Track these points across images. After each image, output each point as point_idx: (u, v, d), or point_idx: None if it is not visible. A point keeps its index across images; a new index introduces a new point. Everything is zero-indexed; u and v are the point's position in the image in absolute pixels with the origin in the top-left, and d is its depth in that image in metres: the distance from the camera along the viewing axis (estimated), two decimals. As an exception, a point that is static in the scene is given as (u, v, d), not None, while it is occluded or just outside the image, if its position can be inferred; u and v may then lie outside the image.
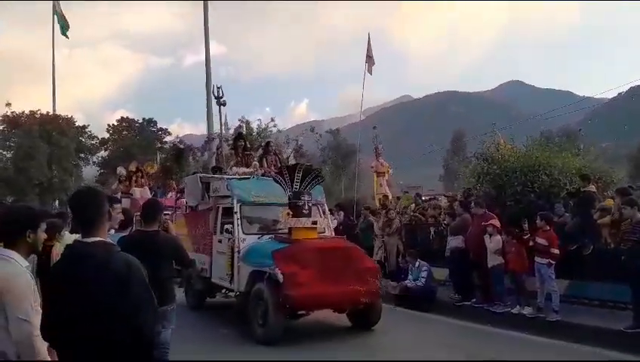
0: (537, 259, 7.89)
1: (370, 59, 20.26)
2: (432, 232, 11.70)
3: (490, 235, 8.45)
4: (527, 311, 8.00)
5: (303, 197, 7.64)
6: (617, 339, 6.53)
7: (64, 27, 30.03)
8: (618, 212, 7.85)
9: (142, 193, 14.30)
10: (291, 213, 7.51)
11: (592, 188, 9.19)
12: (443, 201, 13.68)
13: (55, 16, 30.34)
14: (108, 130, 53.44)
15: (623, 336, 6.57)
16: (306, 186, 7.74)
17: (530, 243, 8.08)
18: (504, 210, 9.74)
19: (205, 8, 22.67)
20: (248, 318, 7.18)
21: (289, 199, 7.69)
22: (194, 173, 11.38)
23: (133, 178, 14.97)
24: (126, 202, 13.81)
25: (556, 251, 7.76)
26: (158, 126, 55.18)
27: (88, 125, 50.34)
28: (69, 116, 45.15)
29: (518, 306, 8.16)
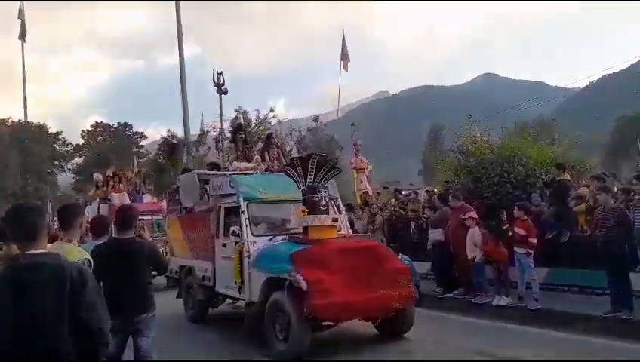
0: (516, 249, 7.98)
1: (345, 56, 20.33)
2: (413, 226, 11.77)
3: (469, 227, 8.52)
4: (508, 301, 8.10)
5: (319, 192, 6.76)
6: (597, 325, 6.66)
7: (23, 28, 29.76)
8: (593, 199, 8.00)
9: (120, 198, 14.12)
10: (306, 209, 6.63)
11: (567, 176, 9.33)
12: (422, 195, 13.76)
13: (21, 21, 29.78)
14: (82, 136, 52.65)
15: (602, 321, 6.71)
16: (321, 179, 6.90)
17: (509, 234, 8.18)
18: (482, 202, 9.84)
19: (178, 9, 22.48)
20: (265, 332, 6.28)
21: (303, 194, 6.82)
22: (185, 170, 10.52)
23: (111, 183, 14.78)
24: (104, 208, 13.58)
25: (534, 240, 7.87)
26: (134, 130, 54.57)
27: (62, 132, 49.64)
28: (42, 123, 44.37)
29: (497, 296, 8.26)
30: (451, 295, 9.13)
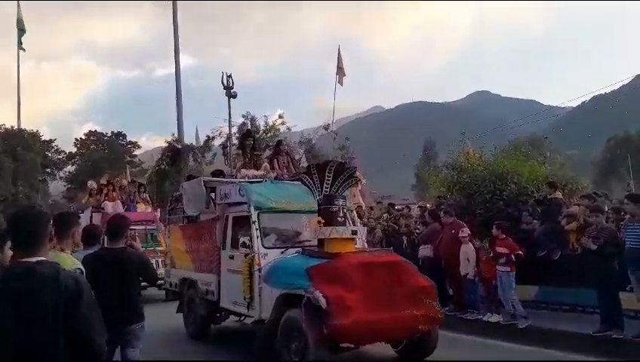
0: (498, 268, 7.96)
1: (340, 70, 20.42)
2: (406, 241, 11.77)
3: (462, 243, 8.54)
4: (498, 318, 8.09)
5: (336, 202, 6.29)
6: (587, 343, 6.66)
7: (21, 36, 29.64)
8: (583, 217, 8.05)
9: (114, 207, 13.95)
10: (323, 220, 6.15)
11: (559, 195, 9.39)
12: (415, 210, 13.78)
13: (17, 29, 29.78)
14: (75, 144, 52.36)
15: (592, 340, 6.70)
16: (338, 188, 6.44)
17: (490, 253, 8.15)
18: (474, 219, 9.87)
19: (175, 20, 22.58)
20: (278, 354, 5.75)
21: (319, 204, 6.38)
22: (189, 177, 10.08)
23: (104, 191, 14.58)
24: (97, 217, 13.32)
25: (513, 259, 7.81)
26: (128, 139, 54.42)
27: (55, 139, 49.38)
28: (35, 130, 44.15)
29: (488, 313, 8.25)
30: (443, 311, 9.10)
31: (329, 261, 5.79)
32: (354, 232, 6.45)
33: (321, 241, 6.28)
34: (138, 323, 4.20)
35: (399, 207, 14.61)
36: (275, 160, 8.97)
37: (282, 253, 6.56)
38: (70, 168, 49.84)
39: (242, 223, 7.12)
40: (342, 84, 20.52)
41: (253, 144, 9.27)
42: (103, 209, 13.84)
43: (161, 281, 12.76)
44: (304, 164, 9.96)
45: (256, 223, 6.73)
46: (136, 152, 53.90)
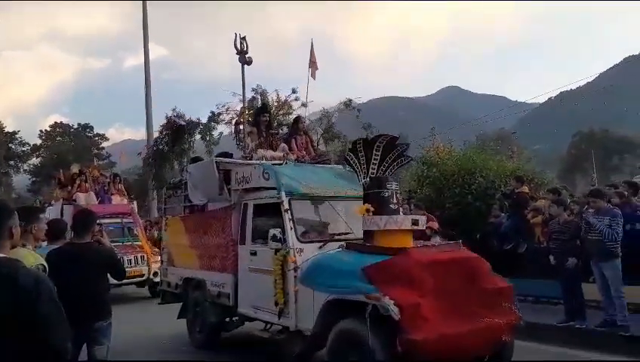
0: None
1: (313, 64, 20.35)
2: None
3: (430, 237, 8.64)
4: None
5: (389, 185, 5.22)
6: (552, 334, 6.85)
7: None
8: (549, 211, 8.26)
9: (86, 199, 13.16)
10: (372, 208, 5.12)
11: (525, 189, 9.61)
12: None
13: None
14: (40, 136, 50.96)
15: (556, 330, 6.91)
16: (386, 169, 5.35)
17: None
18: (443, 212, 10.02)
19: (144, 8, 22.14)
20: None
21: (365, 189, 5.35)
22: (195, 159, 8.78)
23: (77, 182, 13.64)
24: (68, 209, 12.36)
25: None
26: (95, 131, 53.30)
27: (19, 131, 48.04)
28: (-3, 121, 42.83)
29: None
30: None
31: (392, 258, 4.63)
32: (415, 222, 5.20)
33: (369, 234, 5.16)
34: (105, 319, 4.11)
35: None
36: (293, 139, 7.69)
37: (320, 248, 5.43)
38: (35, 161, 48.56)
39: (267, 212, 6.07)
40: (314, 78, 20.46)
41: (269, 121, 8.00)
42: (74, 201, 13.02)
43: (148, 280, 12.05)
44: (322, 145, 8.99)
45: (289, 212, 5.59)
46: (104, 144, 52.91)
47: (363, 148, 5.33)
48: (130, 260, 11.83)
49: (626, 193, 8.00)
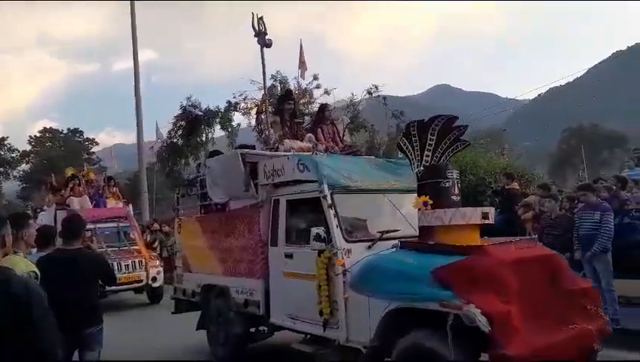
0: None
1: (303, 64, 20.35)
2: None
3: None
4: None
5: (450, 174, 4.60)
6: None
7: None
8: (539, 207, 8.34)
9: (81, 203, 12.76)
10: (431, 201, 4.50)
11: (516, 185, 9.68)
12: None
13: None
14: (30, 142, 50.57)
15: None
16: (441, 156, 4.67)
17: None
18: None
19: (132, 12, 22.05)
20: None
21: (418, 179, 4.71)
22: (213, 153, 8.18)
23: (70, 186, 13.25)
24: (62, 214, 11.56)
25: None
26: (85, 136, 52.97)
27: (7, 137, 47.63)
28: (-14, 128, 42.50)
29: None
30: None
31: (469, 258, 3.96)
32: (485, 215, 4.50)
33: (429, 230, 4.52)
34: (96, 325, 4.11)
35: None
36: (319, 129, 7.03)
37: (369, 247, 4.73)
38: (24, 167, 48.19)
39: (303, 209, 5.49)
40: (304, 78, 20.40)
41: (293, 109, 7.32)
42: (68, 206, 12.61)
43: (147, 285, 11.59)
44: (347, 137, 8.40)
45: (333, 207, 4.93)
46: (94, 149, 52.58)
47: (417, 132, 4.69)
48: (127, 265, 11.52)
49: (614, 187, 8.08)
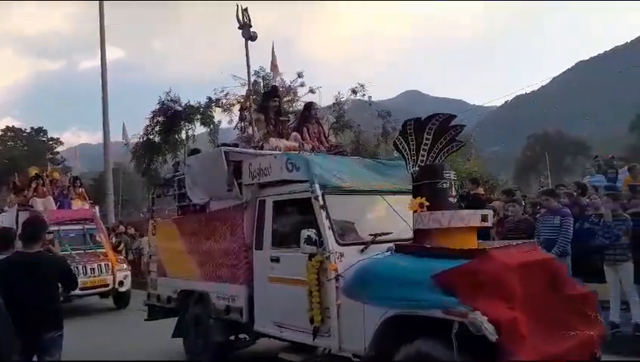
0: None
1: (275, 67, 20.34)
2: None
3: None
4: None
5: (446, 174, 4.44)
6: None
7: None
8: (503, 212, 8.54)
9: (45, 204, 12.35)
10: (427, 202, 4.32)
11: (481, 190, 9.89)
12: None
13: None
14: (-9, 141, 48.99)
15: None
16: (437, 156, 4.62)
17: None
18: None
19: (101, 9, 21.63)
20: None
21: (413, 179, 4.56)
22: (194, 151, 7.95)
23: (33, 186, 12.72)
24: (24, 215, 11.04)
25: None
26: (49, 135, 51.64)
27: (-33, 136, 45.95)
28: (-57, 126, 40.92)
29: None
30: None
31: (471, 262, 3.79)
32: (484, 218, 4.39)
33: (425, 233, 4.33)
34: (57, 330, 4.02)
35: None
36: (305, 128, 6.80)
37: (362, 251, 4.55)
38: (-15, 167, 46.57)
39: (291, 211, 5.31)
40: (276, 82, 20.47)
41: (278, 107, 7.03)
42: (31, 206, 12.16)
43: (113, 290, 11.27)
44: (332, 136, 8.15)
45: (325, 209, 4.70)
46: (59, 149, 51.29)
47: (414, 131, 4.55)
48: (92, 269, 11.15)
49: (574, 193, 8.35)
